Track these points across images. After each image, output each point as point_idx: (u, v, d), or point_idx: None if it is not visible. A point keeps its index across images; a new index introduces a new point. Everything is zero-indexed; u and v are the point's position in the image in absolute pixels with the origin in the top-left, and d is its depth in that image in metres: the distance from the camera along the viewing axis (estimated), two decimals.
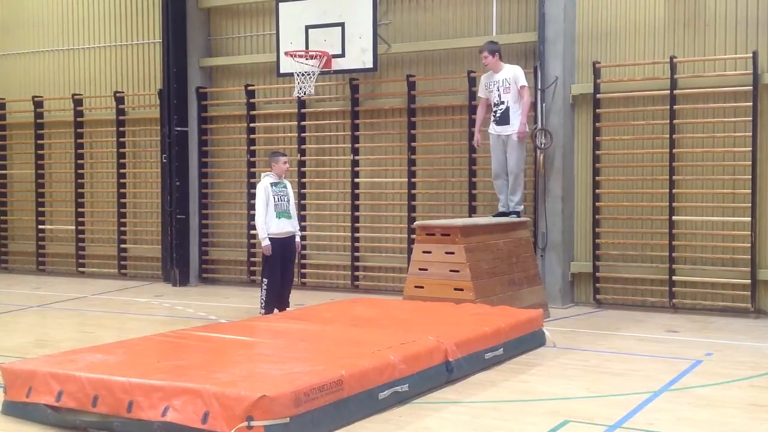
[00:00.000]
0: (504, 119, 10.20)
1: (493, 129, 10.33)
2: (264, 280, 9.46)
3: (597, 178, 11.01)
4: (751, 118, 10.08)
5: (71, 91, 14.64)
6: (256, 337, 7.18)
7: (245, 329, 7.60)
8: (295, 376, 5.52)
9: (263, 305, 9.41)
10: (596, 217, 11.06)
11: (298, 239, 9.72)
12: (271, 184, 9.40)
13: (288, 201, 9.52)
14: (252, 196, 13.07)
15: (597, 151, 10.98)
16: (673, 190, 10.56)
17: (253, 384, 5.27)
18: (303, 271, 12.65)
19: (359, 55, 11.63)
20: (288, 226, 9.48)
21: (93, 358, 6.12)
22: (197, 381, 5.33)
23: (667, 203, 10.57)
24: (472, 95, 11.53)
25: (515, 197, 10.33)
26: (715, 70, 10.41)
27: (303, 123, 12.84)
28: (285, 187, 9.56)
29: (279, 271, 9.47)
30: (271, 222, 9.35)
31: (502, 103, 10.19)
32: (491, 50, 10.24)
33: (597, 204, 11.04)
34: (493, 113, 10.34)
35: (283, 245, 9.45)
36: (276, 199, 9.37)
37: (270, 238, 9.32)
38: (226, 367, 5.86)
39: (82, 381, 5.54)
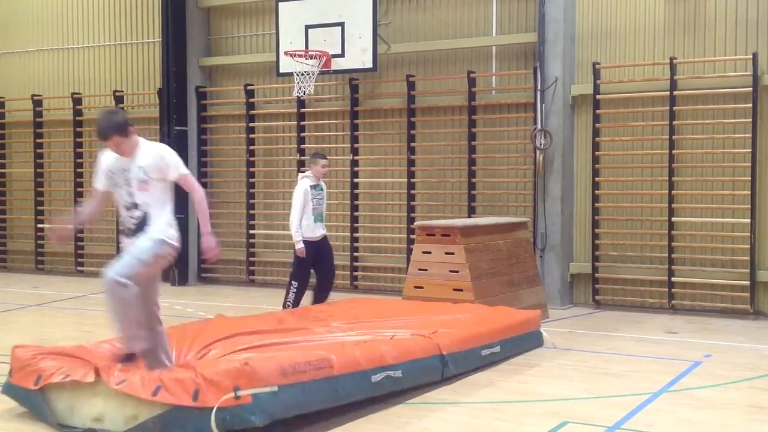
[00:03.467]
0: (140, 229, 5.89)
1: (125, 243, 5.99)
2: (293, 282, 9.25)
3: (596, 178, 11.01)
4: (750, 120, 10.08)
5: (70, 89, 14.63)
6: (249, 332, 7.20)
7: (237, 324, 7.63)
8: (281, 356, 5.70)
9: (289, 307, 9.14)
10: (596, 217, 11.05)
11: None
12: (311, 187, 9.25)
13: (323, 204, 9.42)
14: (251, 196, 13.13)
15: (596, 152, 10.98)
16: (673, 191, 10.56)
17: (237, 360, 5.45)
18: None
19: (359, 55, 11.62)
20: (321, 230, 9.35)
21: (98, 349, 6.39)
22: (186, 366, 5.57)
23: (667, 204, 10.57)
24: (472, 96, 11.55)
25: None
26: (714, 71, 10.41)
27: (302, 123, 12.83)
28: (322, 190, 9.42)
29: (308, 275, 9.35)
30: (308, 226, 9.17)
31: (136, 206, 5.87)
32: (119, 127, 5.76)
33: (596, 205, 11.04)
34: (122, 220, 6.01)
35: (317, 248, 9.30)
36: (314, 203, 9.22)
37: (304, 242, 9.15)
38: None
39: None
